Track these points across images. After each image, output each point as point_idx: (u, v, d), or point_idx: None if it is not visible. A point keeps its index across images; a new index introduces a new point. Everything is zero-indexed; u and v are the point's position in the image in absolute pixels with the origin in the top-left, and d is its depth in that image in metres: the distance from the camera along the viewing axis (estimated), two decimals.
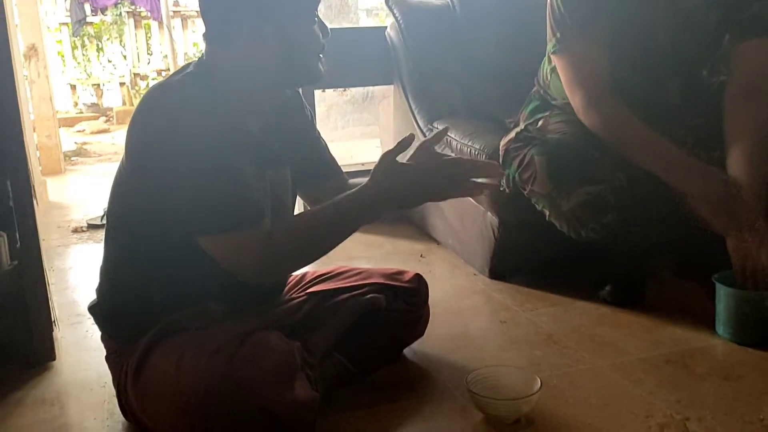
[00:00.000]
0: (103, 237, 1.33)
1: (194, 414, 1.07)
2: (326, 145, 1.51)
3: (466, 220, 2.14)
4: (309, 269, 1.53)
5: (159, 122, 1.14)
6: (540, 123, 1.77)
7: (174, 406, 1.09)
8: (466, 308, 1.87)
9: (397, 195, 1.20)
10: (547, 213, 1.70)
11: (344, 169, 2.77)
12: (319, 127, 2.74)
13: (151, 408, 1.17)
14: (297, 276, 1.53)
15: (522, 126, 1.79)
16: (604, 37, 1.63)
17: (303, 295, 1.45)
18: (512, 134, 1.79)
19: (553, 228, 1.77)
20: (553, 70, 1.81)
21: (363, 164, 2.89)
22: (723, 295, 1.56)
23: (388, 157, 1.19)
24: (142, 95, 1.23)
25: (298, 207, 1.61)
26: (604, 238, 1.68)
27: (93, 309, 1.31)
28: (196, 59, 1.28)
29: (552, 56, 1.71)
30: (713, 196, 1.54)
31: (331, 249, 1.24)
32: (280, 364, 1.14)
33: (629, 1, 1.65)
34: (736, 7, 1.66)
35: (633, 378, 1.43)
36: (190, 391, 1.07)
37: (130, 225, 1.24)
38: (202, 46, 1.29)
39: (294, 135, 1.39)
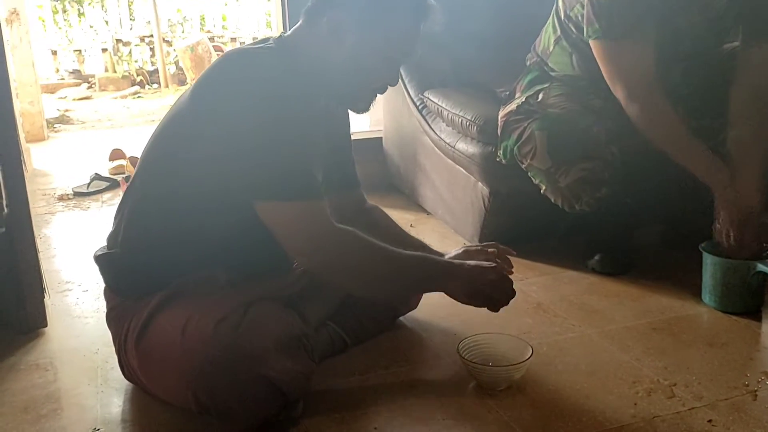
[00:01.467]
0: (128, 185, 1.31)
1: (198, 380, 1.08)
2: (353, 159, 1.51)
3: (457, 189, 2.15)
4: None
5: (238, 82, 1.15)
6: (540, 96, 1.78)
7: (178, 371, 1.10)
8: None
9: (473, 288, 1.26)
10: (543, 188, 1.72)
11: None
12: None
13: (153, 371, 1.17)
14: None
15: (522, 98, 1.79)
16: (650, 37, 1.62)
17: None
18: (512, 106, 1.80)
19: (544, 199, 1.78)
20: (557, 42, 1.81)
21: (352, 133, 2.88)
22: (709, 264, 1.58)
23: (488, 256, 1.33)
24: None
25: None
26: (596, 210, 1.70)
27: (100, 259, 1.29)
28: (276, 36, 1.28)
29: (592, 42, 1.67)
30: (738, 212, 1.56)
31: (373, 284, 1.26)
32: (282, 335, 1.15)
33: (667, 6, 1.65)
34: (756, 8, 1.66)
35: (621, 345, 1.46)
36: (195, 357, 1.07)
37: (171, 178, 1.21)
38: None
39: (339, 130, 1.43)
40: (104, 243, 1.33)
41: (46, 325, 1.59)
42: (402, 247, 1.27)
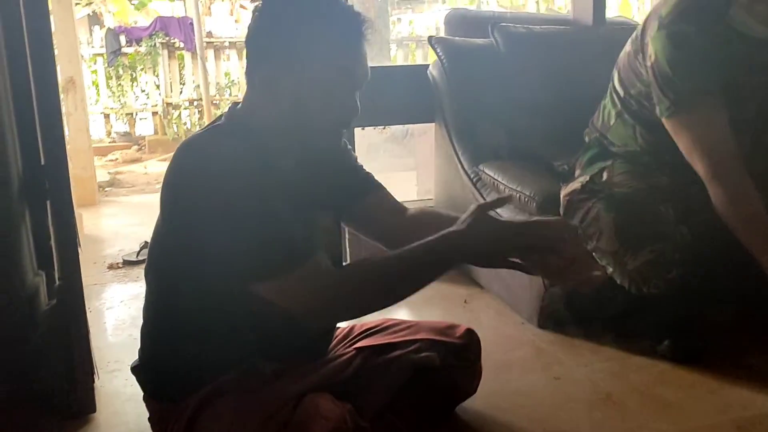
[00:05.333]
0: (144, 297, 1.27)
1: None
2: (362, 167, 1.41)
3: None
4: (356, 322, 1.48)
5: (189, 174, 1.09)
6: (605, 175, 1.71)
7: None
8: (516, 361, 1.79)
9: (479, 245, 1.10)
10: (610, 270, 1.64)
11: None
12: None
13: None
14: (344, 329, 1.47)
15: (586, 177, 1.73)
16: (721, 100, 1.57)
17: (351, 351, 1.39)
18: (576, 185, 1.74)
19: (609, 279, 1.70)
20: (619, 115, 1.76)
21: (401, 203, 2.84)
22: None
23: (480, 208, 1.12)
24: (177, 149, 1.16)
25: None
26: (666, 292, 1.60)
27: (135, 369, 1.27)
28: (227, 111, 1.23)
29: (666, 120, 1.62)
30: None
31: (396, 295, 1.15)
32: (333, 430, 1.08)
33: (730, 67, 1.60)
34: None
35: None
36: None
37: (173, 282, 1.18)
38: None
39: (331, 167, 1.32)
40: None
41: (94, 411, 1.55)
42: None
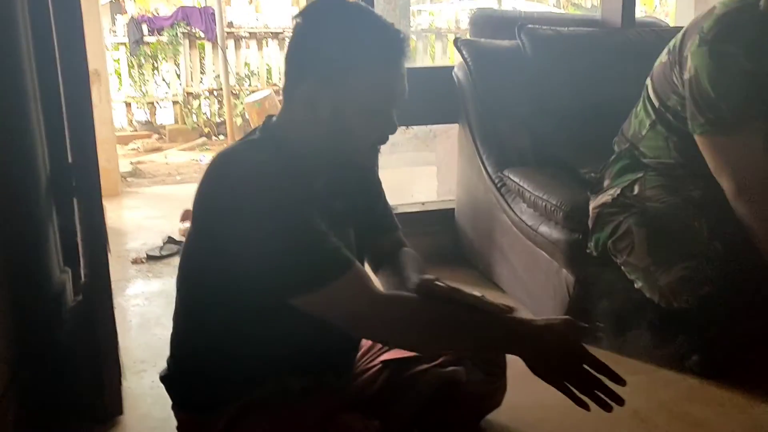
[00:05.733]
0: (174, 309, 1.27)
1: None
2: (386, 198, 1.43)
3: (538, 273, 2.06)
4: None
5: (226, 186, 1.09)
6: (636, 189, 1.70)
7: None
8: None
9: (547, 352, 1.14)
10: (639, 284, 1.62)
11: (405, 209, 2.73)
12: (379, 162, 2.71)
13: None
14: (368, 341, 1.47)
15: (618, 190, 1.71)
16: (762, 126, 1.56)
17: (377, 364, 1.39)
18: (607, 197, 1.72)
19: (637, 291, 1.69)
20: (652, 126, 1.73)
21: (423, 203, 2.84)
22: None
23: (569, 323, 1.15)
24: (214, 161, 1.16)
25: None
26: (697, 308, 1.59)
27: (164, 379, 1.27)
28: (262, 125, 1.23)
29: (698, 137, 1.61)
30: None
31: (437, 343, 1.17)
32: None
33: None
34: None
35: None
36: None
37: (205, 295, 1.18)
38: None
39: (357, 190, 1.33)
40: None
41: (122, 413, 1.56)
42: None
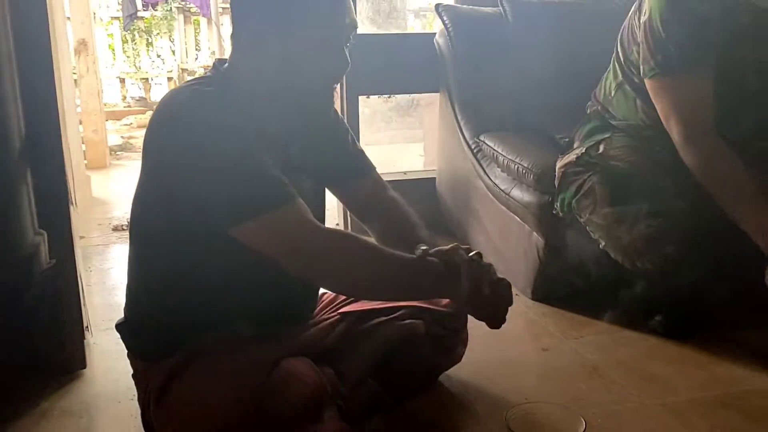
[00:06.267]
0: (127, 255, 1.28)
1: None
2: (355, 141, 1.41)
3: (510, 237, 2.06)
4: None
5: (172, 124, 1.08)
6: (601, 147, 1.68)
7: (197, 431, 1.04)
8: (506, 332, 1.74)
9: (473, 287, 1.13)
10: (603, 243, 1.62)
11: (387, 177, 2.72)
12: (361, 132, 2.70)
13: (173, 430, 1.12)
14: (330, 295, 1.47)
15: (582, 149, 1.71)
16: (710, 72, 1.55)
17: (335, 315, 1.39)
18: (572, 157, 1.72)
19: (604, 253, 1.69)
20: (620, 86, 1.73)
21: (405, 173, 2.84)
22: None
23: (486, 268, 1.16)
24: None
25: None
26: (660, 268, 1.59)
27: (119, 327, 1.27)
28: (212, 66, 1.21)
29: (648, 81, 1.60)
30: None
31: (375, 286, 1.18)
32: (309, 397, 1.08)
33: (731, 37, 1.56)
34: None
35: (684, 421, 1.34)
36: (214, 423, 1.02)
37: (154, 240, 1.18)
38: None
39: (321, 138, 1.32)
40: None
41: (84, 367, 1.57)
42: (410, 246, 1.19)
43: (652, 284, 1.73)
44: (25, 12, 1.51)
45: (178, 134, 1.07)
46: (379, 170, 1.45)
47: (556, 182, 1.73)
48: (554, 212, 1.74)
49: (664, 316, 1.72)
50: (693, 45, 1.52)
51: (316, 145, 1.30)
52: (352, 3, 1.14)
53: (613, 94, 1.76)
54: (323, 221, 1.33)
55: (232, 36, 1.17)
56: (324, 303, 1.45)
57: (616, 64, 1.76)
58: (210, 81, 1.16)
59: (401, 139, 4.56)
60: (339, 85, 2.56)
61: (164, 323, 1.20)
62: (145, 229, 1.20)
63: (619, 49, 1.73)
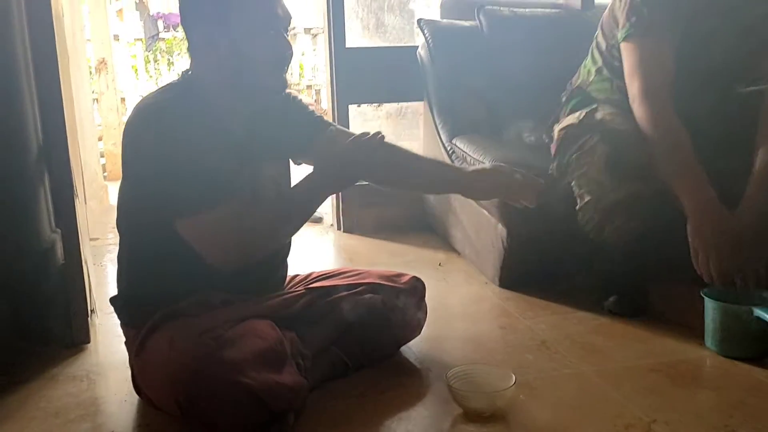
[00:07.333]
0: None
1: (181, 389, 1.19)
2: (311, 109, 1.58)
3: (481, 231, 2.23)
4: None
5: (137, 125, 1.30)
6: (599, 115, 1.78)
7: (165, 381, 1.23)
8: (471, 314, 1.96)
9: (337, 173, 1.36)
10: (586, 199, 1.74)
11: None
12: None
13: (148, 383, 1.32)
14: (302, 275, 1.66)
15: (582, 114, 1.80)
16: (675, 37, 1.70)
17: (301, 289, 1.56)
18: (572, 120, 1.81)
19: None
20: (598, 72, 1.89)
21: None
22: (710, 309, 1.60)
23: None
24: None
25: None
26: (617, 244, 1.75)
27: (112, 300, 1.48)
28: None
29: (622, 46, 1.75)
30: (706, 231, 1.60)
31: (292, 220, 1.39)
32: (267, 349, 1.26)
33: (698, 9, 1.72)
34: None
35: (613, 383, 1.49)
36: (178, 367, 1.20)
37: (131, 224, 1.41)
38: None
39: (274, 117, 1.49)
40: None
41: (89, 342, 1.77)
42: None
43: (610, 268, 1.87)
44: (38, 35, 1.72)
45: (138, 136, 1.29)
46: None
47: (554, 145, 1.86)
48: (549, 172, 1.86)
49: (618, 297, 1.87)
50: (663, 8, 1.68)
51: (272, 125, 1.48)
52: None
53: (591, 79, 1.92)
54: None
55: (188, 47, 1.39)
56: (296, 281, 1.64)
57: (595, 51, 1.93)
58: (173, 87, 1.38)
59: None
60: (330, 94, 2.76)
61: (144, 295, 1.41)
62: (124, 215, 1.41)
63: (599, 39, 1.90)
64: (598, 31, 1.93)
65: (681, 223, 1.67)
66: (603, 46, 1.88)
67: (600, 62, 1.89)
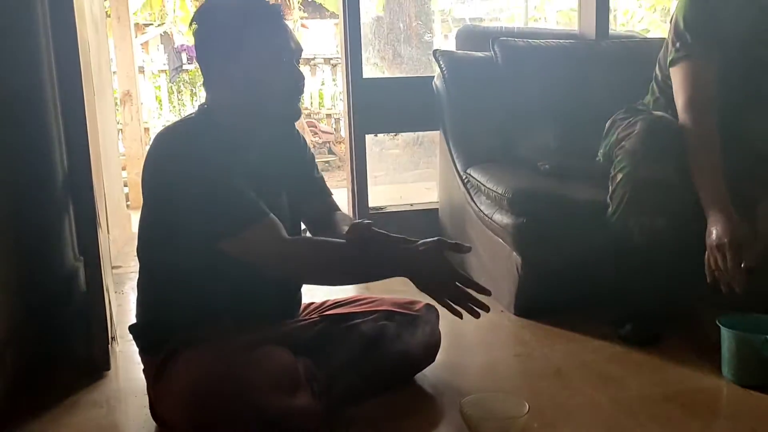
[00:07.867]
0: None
1: (195, 408, 1.22)
2: (318, 168, 1.68)
3: (496, 258, 2.24)
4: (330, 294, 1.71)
5: (164, 158, 1.35)
6: (649, 104, 1.99)
7: (180, 400, 1.25)
8: (486, 342, 1.96)
9: (423, 270, 1.38)
10: (621, 176, 1.83)
11: (393, 208, 2.95)
12: (370, 169, 2.93)
13: (165, 407, 1.34)
14: (317, 302, 1.69)
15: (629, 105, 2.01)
16: (716, 59, 1.82)
17: (316, 317, 1.61)
18: (620, 111, 2.01)
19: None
20: (655, 101, 2.03)
21: (411, 204, 3.05)
22: (726, 338, 1.60)
23: (440, 243, 1.38)
24: None
25: None
26: (639, 246, 1.78)
27: (131, 328, 1.52)
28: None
29: (671, 71, 1.89)
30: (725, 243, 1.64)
31: (330, 279, 1.43)
32: (282, 373, 1.29)
33: (751, 36, 1.85)
34: None
35: (627, 412, 1.49)
36: (193, 386, 1.23)
37: (153, 254, 1.44)
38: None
39: (290, 157, 1.58)
40: None
41: (109, 368, 1.81)
42: None
43: (624, 295, 1.88)
44: (64, 71, 1.79)
45: (163, 167, 1.34)
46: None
47: (604, 131, 2.03)
48: (596, 159, 2.05)
49: (633, 325, 1.86)
50: (705, 33, 1.81)
51: (288, 164, 1.55)
52: (290, 29, 1.43)
53: (650, 107, 2.03)
54: (299, 230, 1.57)
55: (205, 82, 1.44)
56: (310, 309, 1.67)
57: (653, 84, 2.06)
58: (193, 120, 1.43)
59: (410, 178, 4.76)
60: (348, 123, 2.81)
61: (163, 323, 1.44)
62: (147, 247, 1.45)
63: (656, 71, 2.03)
64: (656, 67, 2.05)
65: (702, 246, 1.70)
66: (659, 77, 2.01)
67: (657, 93, 2.03)
